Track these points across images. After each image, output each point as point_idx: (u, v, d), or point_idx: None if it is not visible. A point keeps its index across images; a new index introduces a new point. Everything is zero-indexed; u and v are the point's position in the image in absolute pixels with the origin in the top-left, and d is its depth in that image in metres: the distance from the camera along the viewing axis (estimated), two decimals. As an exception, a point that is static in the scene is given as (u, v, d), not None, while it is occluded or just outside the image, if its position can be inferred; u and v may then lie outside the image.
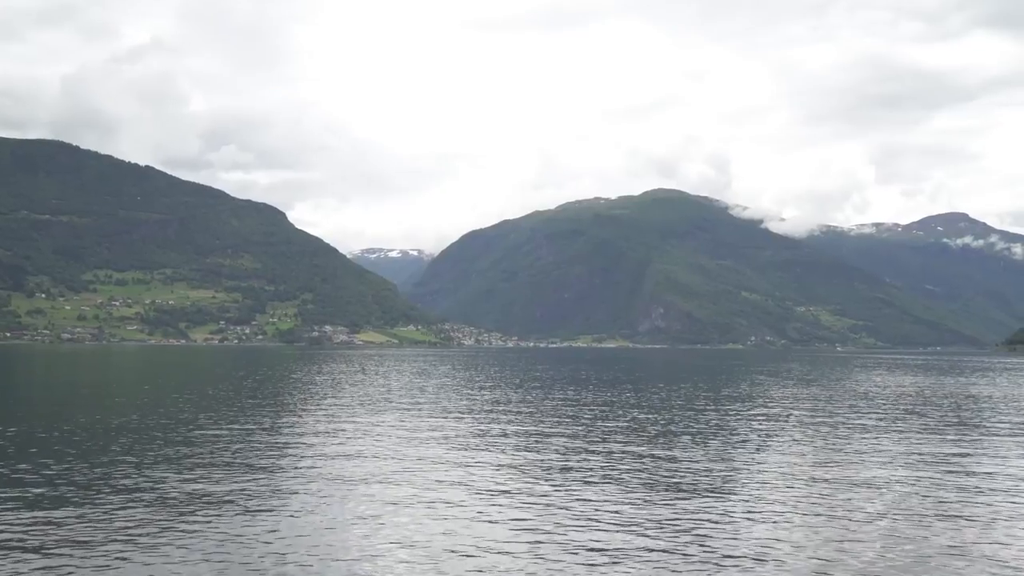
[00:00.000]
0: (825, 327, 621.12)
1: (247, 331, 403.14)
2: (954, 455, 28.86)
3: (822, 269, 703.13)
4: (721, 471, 24.92)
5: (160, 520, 18.10)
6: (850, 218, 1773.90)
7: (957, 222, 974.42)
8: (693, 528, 17.93)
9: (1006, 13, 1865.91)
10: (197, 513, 18.82)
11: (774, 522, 18.56)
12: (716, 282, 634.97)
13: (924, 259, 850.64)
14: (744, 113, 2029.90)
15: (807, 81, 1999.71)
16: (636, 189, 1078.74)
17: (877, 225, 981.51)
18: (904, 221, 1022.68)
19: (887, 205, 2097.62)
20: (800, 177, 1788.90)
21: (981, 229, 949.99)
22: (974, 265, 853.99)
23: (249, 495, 20.75)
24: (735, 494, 21.50)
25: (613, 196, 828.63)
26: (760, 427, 36.84)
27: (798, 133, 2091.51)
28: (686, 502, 20.47)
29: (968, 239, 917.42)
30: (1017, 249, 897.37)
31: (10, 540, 16.36)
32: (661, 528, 17.92)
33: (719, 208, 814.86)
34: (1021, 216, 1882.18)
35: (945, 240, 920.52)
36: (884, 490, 22.26)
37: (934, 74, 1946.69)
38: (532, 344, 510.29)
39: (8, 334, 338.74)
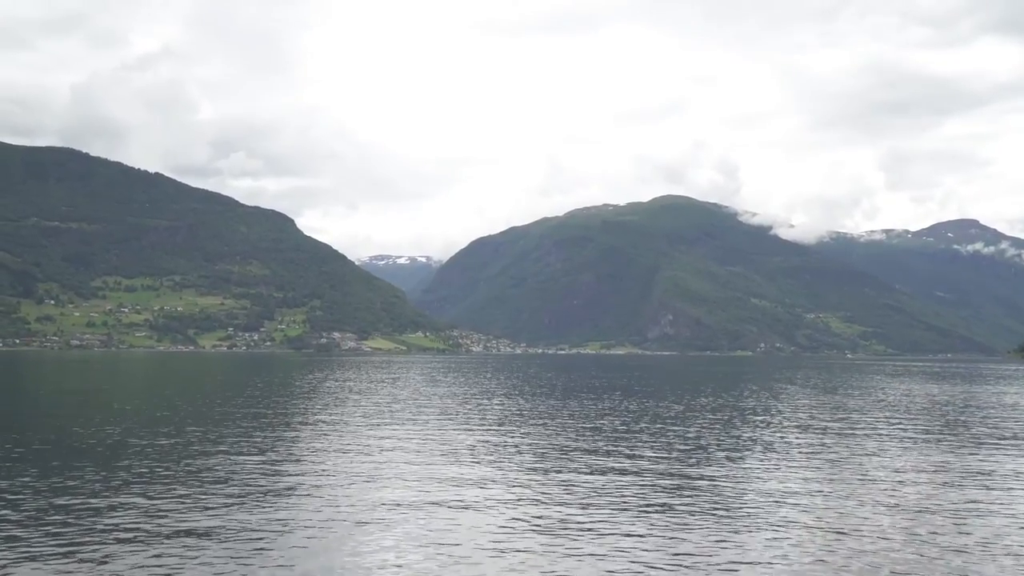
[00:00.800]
0: (835, 334, 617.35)
1: (256, 338, 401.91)
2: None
3: (832, 276, 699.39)
4: (777, 495, 22.26)
5: (117, 566, 15.29)
6: (859, 224, 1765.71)
7: (967, 228, 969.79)
8: None
9: (1015, 18, 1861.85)
10: (166, 555, 15.91)
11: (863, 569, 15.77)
12: (725, 289, 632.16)
13: (934, 266, 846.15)
14: (752, 118, 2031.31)
15: (816, 86, 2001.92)
16: (644, 195, 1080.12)
17: (887, 231, 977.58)
18: (914, 227, 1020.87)
19: (897, 211, 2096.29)
20: (809, 183, 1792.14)
21: (992, 236, 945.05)
22: (985, 272, 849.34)
23: (234, 529, 18.08)
24: (804, 528, 18.80)
25: (621, 202, 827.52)
26: (799, 441, 34.25)
27: (807, 139, 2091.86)
28: (748, 536, 17.89)
29: (979, 246, 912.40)
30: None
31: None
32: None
33: (728, 214, 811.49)
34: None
35: (955, 247, 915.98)
36: (975, 518, 19.78)
37: (943, 80, 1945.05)
38: (541, 351, 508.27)
39: (17, 341, 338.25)
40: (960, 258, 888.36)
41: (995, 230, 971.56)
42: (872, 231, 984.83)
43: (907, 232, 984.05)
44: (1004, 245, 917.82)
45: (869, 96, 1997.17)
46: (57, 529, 17.88)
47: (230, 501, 20.96)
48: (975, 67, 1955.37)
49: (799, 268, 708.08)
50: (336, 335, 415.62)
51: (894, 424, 42.23)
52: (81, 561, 15.62)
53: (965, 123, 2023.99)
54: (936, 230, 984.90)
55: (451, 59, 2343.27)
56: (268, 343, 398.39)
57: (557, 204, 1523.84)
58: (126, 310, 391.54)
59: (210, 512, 19.73)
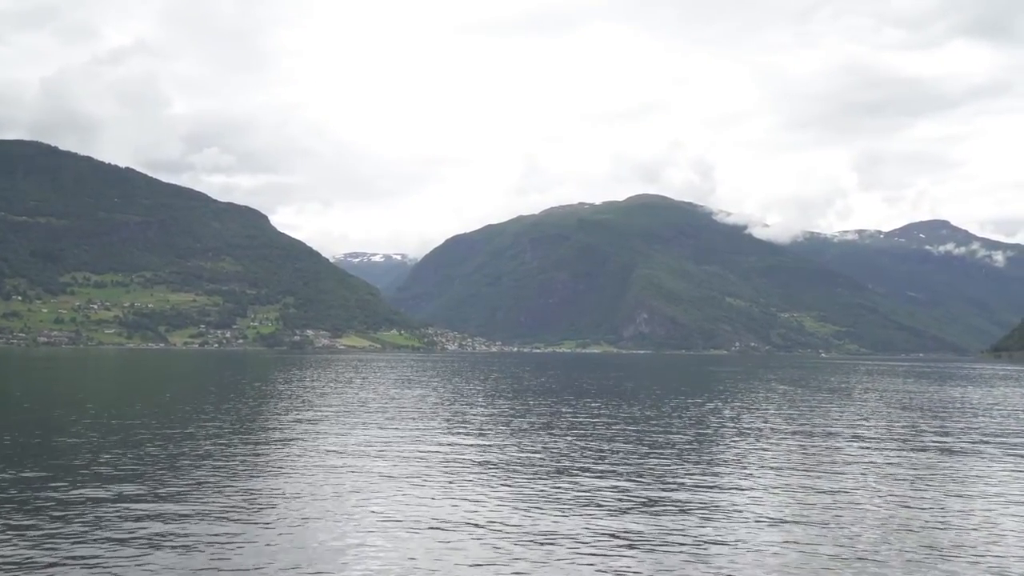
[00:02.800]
0: (809, 333, 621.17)
1: (228, 335, 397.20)
2: None
3: (805, 275, 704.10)
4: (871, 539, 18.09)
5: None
6: (833, 224, 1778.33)
7: (939, 229, 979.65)
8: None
9: (987, 21, 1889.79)
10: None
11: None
12: (700, 288, 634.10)
13: (906, 266, 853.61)
14: (728, 119, 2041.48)
15: (790, 87, 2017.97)
16: (620, 194, 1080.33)
17: (860, 232, 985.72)
18: (886, 228, 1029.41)
19: (869, 212, 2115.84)
20: (783, 183, 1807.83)
21: (963, 236, 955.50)
22: (956, 272, 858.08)
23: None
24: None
25: (597, 201, 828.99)
26: (855, 455, 29.88)
27: (781, 139, 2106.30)
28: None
29: (950, 246, 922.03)
30: (998, 256, 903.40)
31: None
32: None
33: (703, 214, 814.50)
34: (1002, 224, 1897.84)
35: (927, 247, 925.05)
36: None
37: (916, 81, 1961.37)
38: (516, 349, 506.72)
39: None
40: (932, 258, 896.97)
41: (966, 231, 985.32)
42: (845, 231, 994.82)
43: (880, 233, 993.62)
44: (975, 246, 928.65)
45: (843, 97, 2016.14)
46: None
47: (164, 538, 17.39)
48: (948, 69, 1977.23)
49: (773, 268, 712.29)
50: (310, 333, 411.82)
51: (954, 433, 39.87)
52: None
53: (938, 125, 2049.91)
54: (908, 231, 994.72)
55: (428, 58, 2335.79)
56: (240, 340, 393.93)
57: (533, 203, 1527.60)
58: (95, 306, 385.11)
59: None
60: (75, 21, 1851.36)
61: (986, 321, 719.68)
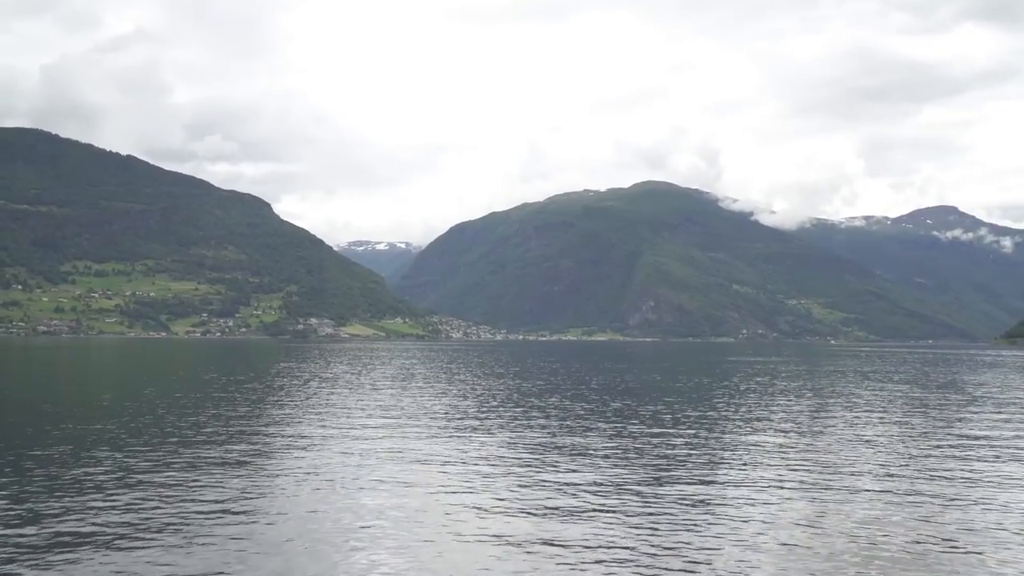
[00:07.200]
0: (817, 320, 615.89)
1: (230, 324, 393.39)
2: None
3: (813, 262, 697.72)
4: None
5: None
6: (839, 211, 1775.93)
7: (946, 215, 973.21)
8: None
9: (995, 5, 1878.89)
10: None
11: None
12: (707, 275, 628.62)
13: (914, 252, 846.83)
14: (732, 105, 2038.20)
15: (795, 73, 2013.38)
16: (624, 181, 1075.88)
17: (867, 218, 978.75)
18: (893, 214, 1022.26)
19: (876, 198, 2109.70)
20: (789, 169, 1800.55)
21: (970, 222, 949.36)
22: (964, 258, 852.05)
23: None
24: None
25: (602, 188, 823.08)
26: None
27: (786, 125, 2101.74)
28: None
29: (958, 232, 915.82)
30: (1006, 242, 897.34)
31: None
32: None
33: (709, 200, 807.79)
34: (1010, 209, 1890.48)
35: (935, 233, 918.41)
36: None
37: (923, 66, 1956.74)
38: (521, 337, 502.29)
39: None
40: (939, 244, 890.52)
41: (974, 217, 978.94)
42: (852, 217, 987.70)
43: (887, 219, 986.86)
44: (982, 232, 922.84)
45: (848, 82, 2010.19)
46: None
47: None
48: (955, 54, 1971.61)
49: (780, 254, 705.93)
50: (313, 321, 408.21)
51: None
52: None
53: (944, 110, 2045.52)
54: (915, 217, 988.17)
55: (431, 45, 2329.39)
56: (243, 329, 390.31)
57: (537, 190, 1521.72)
58: (96, 295, 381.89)
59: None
60: (76, 9, 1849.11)
61: (994, 307, 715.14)
